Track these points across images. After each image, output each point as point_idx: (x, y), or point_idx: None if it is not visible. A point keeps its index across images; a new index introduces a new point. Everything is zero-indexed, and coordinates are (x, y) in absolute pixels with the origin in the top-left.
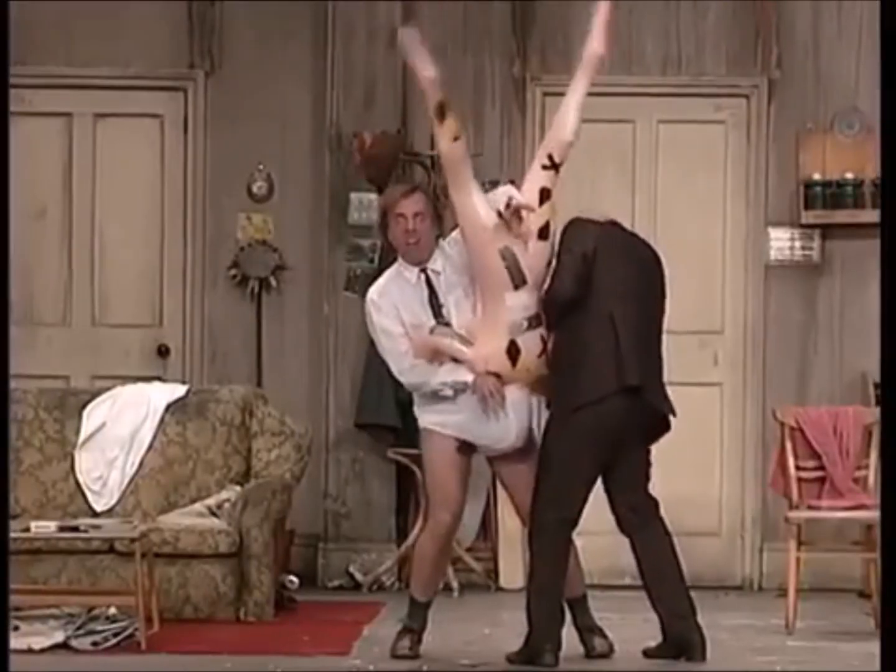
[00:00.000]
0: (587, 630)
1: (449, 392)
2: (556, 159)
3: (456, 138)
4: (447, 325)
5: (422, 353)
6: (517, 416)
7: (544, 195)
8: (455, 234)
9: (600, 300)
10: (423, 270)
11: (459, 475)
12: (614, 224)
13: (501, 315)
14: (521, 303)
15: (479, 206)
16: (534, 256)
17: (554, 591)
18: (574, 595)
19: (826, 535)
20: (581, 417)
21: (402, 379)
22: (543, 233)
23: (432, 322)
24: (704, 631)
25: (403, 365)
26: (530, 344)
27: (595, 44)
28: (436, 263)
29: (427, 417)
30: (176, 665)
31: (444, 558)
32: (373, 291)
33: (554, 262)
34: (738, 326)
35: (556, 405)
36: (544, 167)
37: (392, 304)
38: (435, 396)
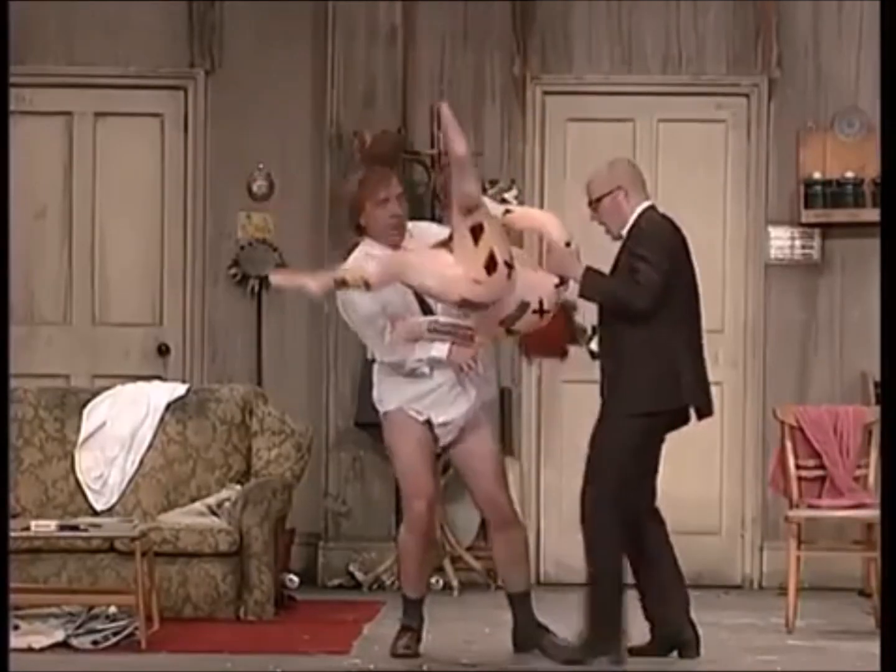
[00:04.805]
0: (531, 627)
1: (425, 369)
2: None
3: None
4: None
5: (405, 336)
6: (473, 393)
7: (477, 232)
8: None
9: (678, 308)
10: None
11: (427, 459)
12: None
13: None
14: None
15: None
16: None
17: (616, 589)
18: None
19: (826, 534)
20: (649, 421)
21: (380, 358)
22: (490, 267)
23: (415, 306)
24: (697, 627)
25: (381, 343)
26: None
27: (455, 147)
28: (409, 243)
29: (388, 400)
30: (176, 664)
31: (428, 551)
32: None
33: (630, 261)
34: (738, 325)
35: (622, 405)
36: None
37: None
38: (410, 374)
